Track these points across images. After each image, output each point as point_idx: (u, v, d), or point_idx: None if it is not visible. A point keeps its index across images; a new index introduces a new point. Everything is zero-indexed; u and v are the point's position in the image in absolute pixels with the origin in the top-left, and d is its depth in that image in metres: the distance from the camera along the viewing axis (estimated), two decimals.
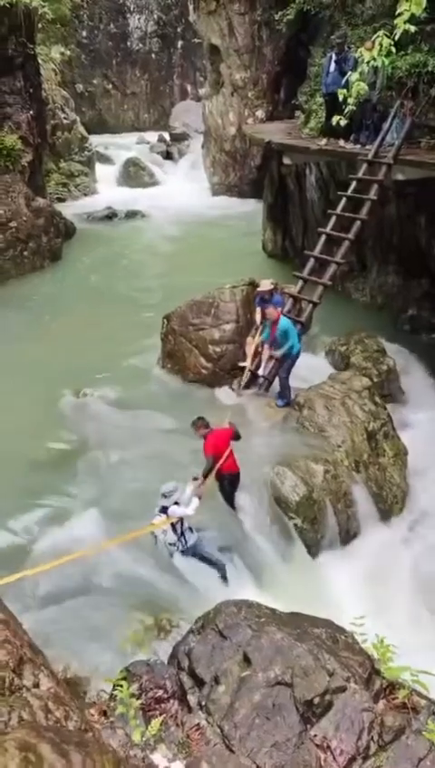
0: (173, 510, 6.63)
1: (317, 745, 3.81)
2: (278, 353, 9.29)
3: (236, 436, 7.59)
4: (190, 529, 6.89)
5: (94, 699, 4.52)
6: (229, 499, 7.53)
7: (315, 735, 3.86)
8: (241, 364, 10.32)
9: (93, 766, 2.14)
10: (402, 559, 7.68)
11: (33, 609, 6.00)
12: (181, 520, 6.75)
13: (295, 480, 7.67)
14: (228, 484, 7.49)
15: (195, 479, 7.14)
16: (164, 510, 6.67)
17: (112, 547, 6.60)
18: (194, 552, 6.89)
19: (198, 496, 6.87)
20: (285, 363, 9.33)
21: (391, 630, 5.02)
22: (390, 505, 8.29)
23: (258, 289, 10.38)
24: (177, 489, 6.77)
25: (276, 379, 9.71)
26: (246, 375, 10.08)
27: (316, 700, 3.98)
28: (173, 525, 6.72)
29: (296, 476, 7.70)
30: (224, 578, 6.83)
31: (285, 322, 9.28)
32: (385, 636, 4.76)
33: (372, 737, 3.88)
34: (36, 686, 2.53)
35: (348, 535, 7.86)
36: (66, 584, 6.37)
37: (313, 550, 7.48)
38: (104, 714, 4.10)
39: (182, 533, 6.79)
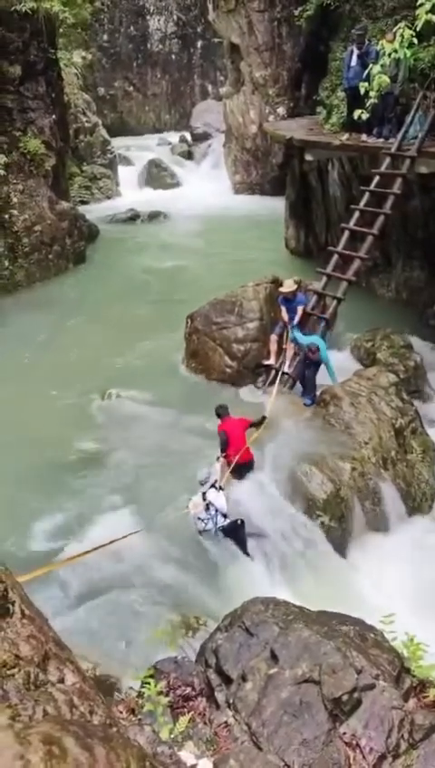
0: (209, 493, 7.18)
1: (346, 743, 3.77)
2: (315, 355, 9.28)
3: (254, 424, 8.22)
4: (225, 516, 7.11)
5: (123, 696, 4.53)
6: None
7: (344, 733, 3.82)
8: (265, 362, 10.28)
9: (118, 760, 2.15)
10: (432, 557, 7.58)
11: (61, 606, 6.05)
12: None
13: (322, 478, 7.62)
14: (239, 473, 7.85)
15: (218, 458, 7.79)
16: (203, 495, 7.20)
17: (140, 543, 6.65)
18: (224, 532, 7.07)
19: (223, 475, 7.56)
20: (314, 364, 9.30)
21: (422, 629, 4.94)
22: (419, 503, 8.17)
23: (281, 289, 10.30)
24: (211, 474, 7.43)
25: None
26: (273, 374, 10.04)
27: (344, 698, 3.93)
28: (207, 506, 7.14)
29: (323, 474, 7.66)
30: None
31: (314, 340, 9.37)
32: (415, 634, 4.69)
33: (402, 735, 3.82)
34: (61, 681, 2.54)
35: (376, 533, 7.78)
36: (94, 581, 6.42)
37: (341, 548, 7.42)
38: (132, 711, 4.11)
39: (215, 514, 7.13)
